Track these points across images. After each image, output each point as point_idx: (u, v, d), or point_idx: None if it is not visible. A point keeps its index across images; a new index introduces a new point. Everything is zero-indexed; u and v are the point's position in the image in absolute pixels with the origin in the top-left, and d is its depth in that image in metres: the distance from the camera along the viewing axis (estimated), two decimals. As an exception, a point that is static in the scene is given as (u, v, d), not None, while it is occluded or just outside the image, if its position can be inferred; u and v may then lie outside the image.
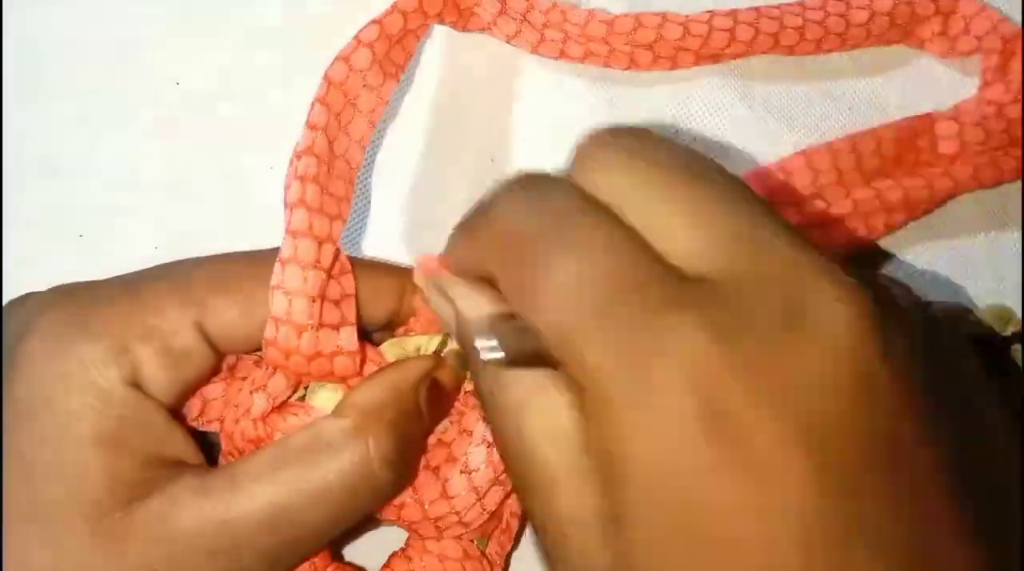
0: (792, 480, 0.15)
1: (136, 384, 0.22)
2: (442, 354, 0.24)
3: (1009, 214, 0.30)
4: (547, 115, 0.29)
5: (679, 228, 0.17)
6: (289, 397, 0.24)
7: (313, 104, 0.24)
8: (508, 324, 0.19)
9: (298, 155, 0.24)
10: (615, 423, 0.16)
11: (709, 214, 0.17)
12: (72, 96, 0.29)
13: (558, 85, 0.29)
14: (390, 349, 0.24)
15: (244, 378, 0.24)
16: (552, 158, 0.29)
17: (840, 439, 0.15)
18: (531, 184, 0.20)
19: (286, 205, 0.23)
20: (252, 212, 0.29)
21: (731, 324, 0.16)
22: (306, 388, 0.24)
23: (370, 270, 0.25)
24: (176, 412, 0.23)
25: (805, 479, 0.15)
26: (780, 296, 0.16)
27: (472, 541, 0.25)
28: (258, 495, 0.21)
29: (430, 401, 0.23)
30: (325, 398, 0.24)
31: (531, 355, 0.18)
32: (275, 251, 0.23)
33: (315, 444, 0.22)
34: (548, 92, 0.29)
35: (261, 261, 0.23)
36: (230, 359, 0.24)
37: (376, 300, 0.24)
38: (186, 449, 0.23)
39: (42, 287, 0.25)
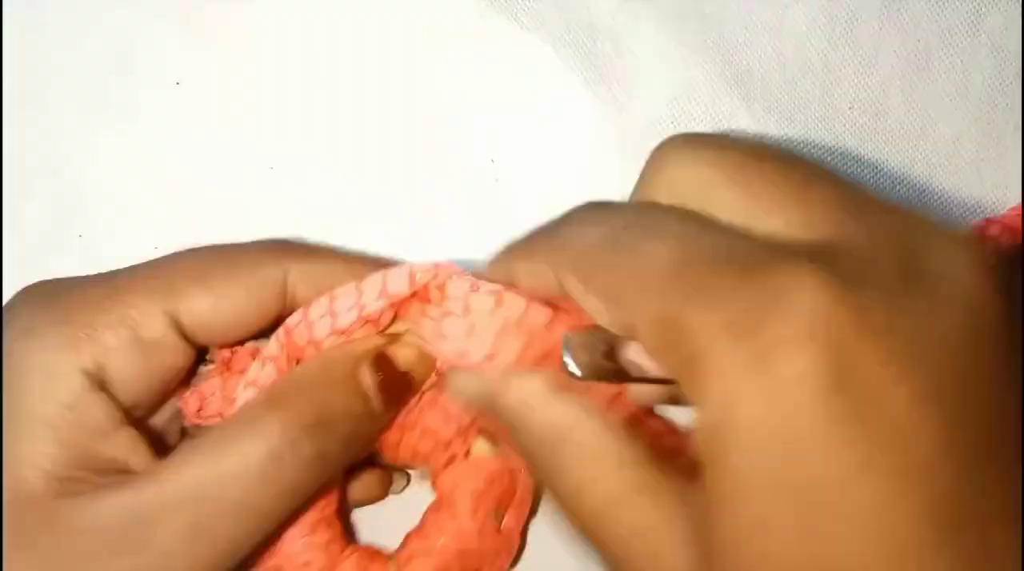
0: (924, 441, 0.14)
1: (98, 373, 0.22)
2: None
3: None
4: (547, 115, 0.29)
5: (778, 206, 0.17)
6: None
7: None
8: (581, 337, 0.20)
9: None
10: (725, 392, 0.15)
11: (805, 189, 0.17)
12: (72, 96, 0.29)
13: (558, 86, 0.29)
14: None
15: (241, 372, 0.24)
16: (552, 158, 0.29)
17: (974, 401, 0.15)
18: (598, 204, 0.20)
19: None
20: (252, 211, 0.29)
21: (852, 279, 0.15)
22: None
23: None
24: (147, 408, 0.23)
25: (939, 441, 0.14)
26: (896, 252, 0.16)
27: (488, 516, 0.25)
28: (172, 479, 0.21)
29: (385, 383, 0.23)
30: None
31: (604, 370, 0.19)
32: (251, 244, 0.24)
33: (234, 421, 0.22)
34: (548, 93, 0.29)
35: (235, 253, 0.24)
36: (224, 353, 0.24)
37: None
38: (131, 453, 0.22)
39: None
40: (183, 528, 0.21)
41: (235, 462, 0.21)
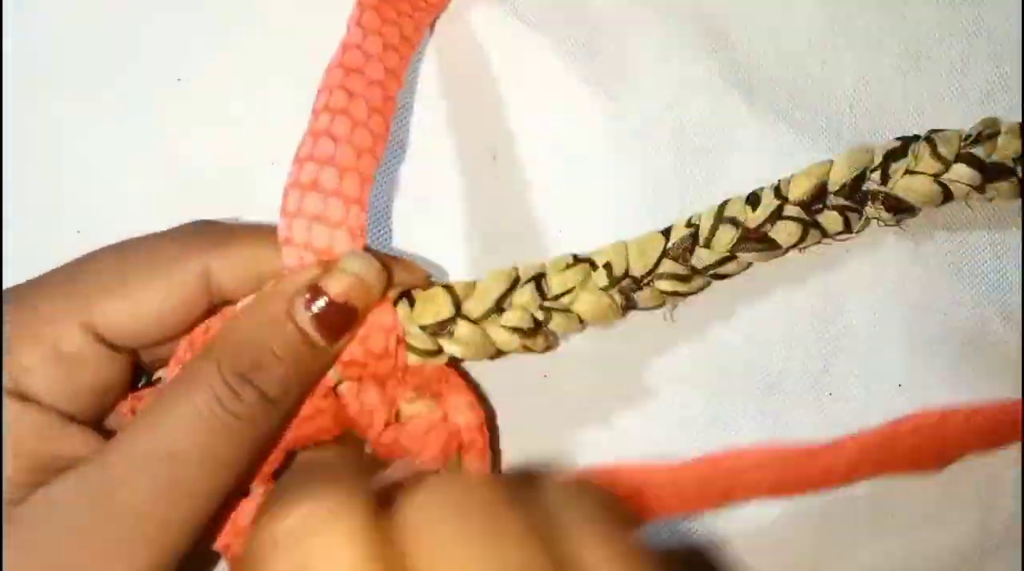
0: None
1: (18, 391, 0.22)
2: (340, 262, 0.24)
3: (1009, 213, 0.30)
4: (549, 113, 0.29)
5: None
6: None
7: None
8: None
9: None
10: None
11: None
12: (72, 96, 0.29)
13: (560, 83, 0.29)
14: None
15: None
16: (553, 155, 0.29)
17: None
18: None
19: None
20: (253, 208, 0.28)
21: None
22: None
23: None
24: (99, 412, 0.23)
25: None
26: None
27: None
28: (122, 447, 0.21)
29: (323, 316, 0.23)
30: None
31: None
32: (170, 235, 0.24)
33: (176, 379, 0.22)
34: (550, 90, 0.29)
35: (153, 249, 0.24)
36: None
37: None
38: (84, 444, 0.22)
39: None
40: (145, 489, 0.20)
41: (181, 414, 0.21)
